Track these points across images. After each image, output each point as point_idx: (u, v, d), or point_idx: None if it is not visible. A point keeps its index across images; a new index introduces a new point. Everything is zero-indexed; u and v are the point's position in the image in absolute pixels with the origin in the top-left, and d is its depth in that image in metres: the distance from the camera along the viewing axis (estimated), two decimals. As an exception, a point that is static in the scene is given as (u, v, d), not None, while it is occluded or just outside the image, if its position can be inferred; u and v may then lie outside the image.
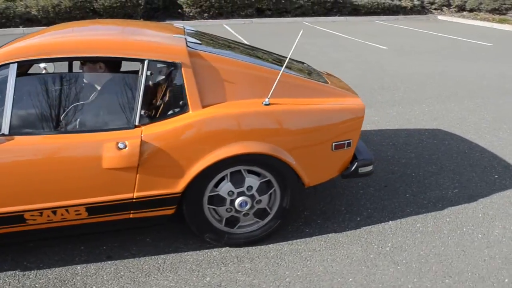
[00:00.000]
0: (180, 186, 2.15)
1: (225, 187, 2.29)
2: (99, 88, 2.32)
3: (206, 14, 12.88)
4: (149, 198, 2.15)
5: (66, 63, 2.52)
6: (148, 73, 2.13)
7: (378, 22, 13.28)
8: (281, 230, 2.61)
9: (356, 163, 2.48)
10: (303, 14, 13.13)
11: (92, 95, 2.23)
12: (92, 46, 2.12)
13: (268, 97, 2.25)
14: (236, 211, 2.33)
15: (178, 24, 3.01)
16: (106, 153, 2.02)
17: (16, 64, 2.00)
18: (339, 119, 2.38)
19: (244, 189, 2.31)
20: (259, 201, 2.37)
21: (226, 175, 2.27)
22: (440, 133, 4.18)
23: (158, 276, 2.26)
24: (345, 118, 2.40)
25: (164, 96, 2.16)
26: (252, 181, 2.32)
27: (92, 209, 2.12)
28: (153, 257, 2.41)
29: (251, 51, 2.79)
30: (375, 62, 7.36)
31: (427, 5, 14.51)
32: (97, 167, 2.02)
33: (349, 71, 6.66)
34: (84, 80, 2.32)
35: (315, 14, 13.18)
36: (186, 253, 2.43)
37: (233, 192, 2.30)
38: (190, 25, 3.12)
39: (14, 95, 2.00)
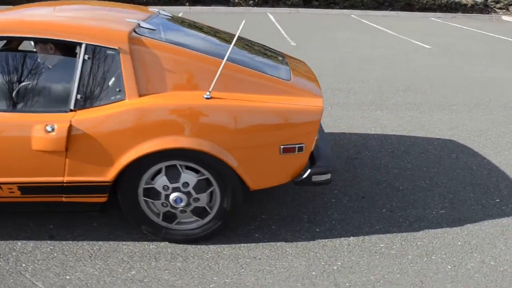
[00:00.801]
0: (110, 175, 2.08)
1: (160, 181, 2.17)
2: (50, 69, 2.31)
3: (251, 1, 12.76)
4: (79, 183, 2.10)
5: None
6: (86, 57, 2.05)
7: (432, 19, 12.35)
8: (228, 232, 2.47)
9: (309, 170, 2.27)
10: (352, 6, 12.55)
11: (36, 76, 2.22)
12: (33, 27, 2.08)
13: (210, 90, 2.09)
14: (172, 206, 2.24)
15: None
16: (35, 135, 1.99)
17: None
18: (288, 120, 2.16)
19: (179, 185, 2.18)
20: (197, 199, 2.23)
21: (162, 168, 2.18)
22: (451, 144, 3.75)
23: (87, 262, 2.22)
24: (296, 119, 2.17)
25: (101, 81, 2.07)
26: (188, 177, 2.18)
27: (25, 189, 2.11)
28: (91, 242, 2.38)
29: (221, 42, 2.65)
30: (411, 62, 6.82)
31: (491, 3, 13.22)
32: (28, 148, 2.01)
33: (378, 69, 6.24)
34: (38, 61, 2.32)
35: (365, 7, 12.55)
36: (124, 242, 2.37)
37: (168, 187, 2.18)
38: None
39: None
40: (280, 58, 2.71)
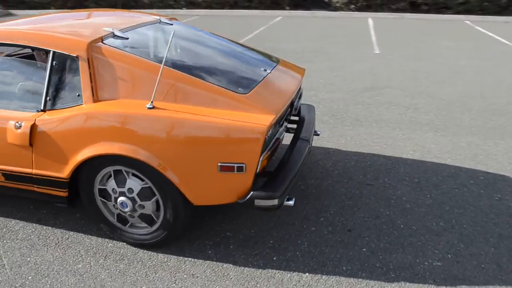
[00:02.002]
0: (65, 172, 2.23)
1: (110, 184, 2.24)
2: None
3: (353, 6, 12.18)
4: (43, 177, 2.29)
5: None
6: (54, 63, 2.22)
7: None
8: (185, 243, 2.43)
9: (251, 193, 2.08)
10: (467, 11, 11.00)
11: (21, 78, 2.47)
12: (16, 35, 2.33)
13: (151, 100, 2.08)
14: (121, 210, 2.29)
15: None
16: (9, 129, 2.27)
17: None
18: (226, 137, 1.99)
19: (125, 190, 2.21)
20: (142, 206, 2.24)
21: (111, 172, 2.25)
22: (501, 183, 3.01)
23: (50, 249, 2.39)
24: (235, 137, 1.99)
25: (65, 86, 2.22)
26: (133, 184, 2.19)
27: (6, 175, 2.41)
28: (64, 231, 2.56)
29: (200, 53, 2.59)
30: (507, 77, 5.70)
31: None
32: (5, 139, 2.31)
33: (460, 85, 5.37)
34: (23, 65, 2.55)
35: (483, 12, 10.88)
36: (89, 237, 2.50)
37: (116, 191, 2.24)
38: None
39: None
40: (261, 69, 2.54)
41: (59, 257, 2.35)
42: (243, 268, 2.24)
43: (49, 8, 13.79)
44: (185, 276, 2.19)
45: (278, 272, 2.20)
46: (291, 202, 2.20)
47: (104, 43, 2.22)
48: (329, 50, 7.64)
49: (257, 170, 2.05)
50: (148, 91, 2.11)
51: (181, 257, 2.33)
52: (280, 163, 2.32)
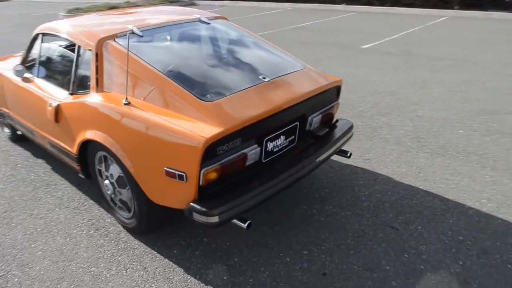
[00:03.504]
0: (74, 149, 2.55)
1: (102, 167, 2.48)
2: None
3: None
4: (65, 150, 2.69)
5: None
6: (78, 54, 2.54)
7: None
8: (163, 236, 2.48)
9: (190, 205, 1.95)
10: None
11: (68, 66, 2.80)
12: (61, 29, 2.72)
13: (125, 97, 2.16)
14: (106, 192, 2.48)
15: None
16: (46, 107, 2.72)
17: (40, 35, 3.00)
18: (170, 142, 1.90)
19: (108, 174, 2.42)
20: (119, 192, 2.39)
21: (102, 156, 2.45)
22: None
23: (57, 211, 2.85)
24: (177, 143, 1.88)
25: (84, 75, 2.50)
26: (114, 170, 2.35)
27: (50, 144, 2.88)
28: (83, 196, 2.98)
29: (209, 56, 2.52)
30: None
31: None
32: (46, 114, 2.78)
33: None
34: (64, 55, 2.94)
35: None
36: (99, 208, 2.84)
37: (103, 173, 2.46)
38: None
39: (40, 55, 3.02)
40: (259, 77, 2.30)
41: (67, 220, 2.74)
42: (189, 277, 2.17)
43: None
44: (138, 267, 2.27)
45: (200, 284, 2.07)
46: (243, 225, 2.02)
47: (115, 41, 2.43)
48: (476, 60, 6.35)
49: (200, 183, 1.95)
50: (137, 89, 2.23)
51: (149, 249, 2.41)
52: (239, 182, 2.14)
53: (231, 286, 2.10)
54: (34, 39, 3.08)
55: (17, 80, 3.12)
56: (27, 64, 3.17)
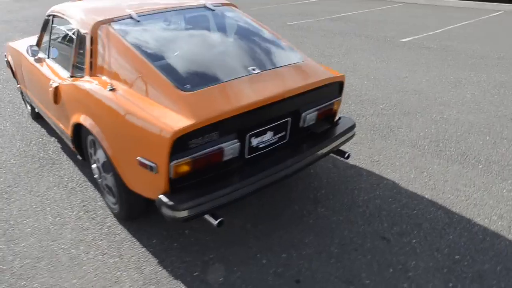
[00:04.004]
0: (68, 131, 2.59)
1: (92, 150, 2.49)
2: None
3: None
4: (63, 130, 2.74)
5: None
6: (77, 37, 2.54)
7: None
8: (147, 224, 2.47)
9: (159, 197, 1.90)
10: None
11: (67, 47, 2.85)
12: (66, 12, 2.74)
13: (110, 83, 2.12)
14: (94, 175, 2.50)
15: None
16: (48, 87, 2.78)
17: (51, 16, 3.04)
18: (142, 131, 1.84)
19: (96, 158, 2.42)
20: (105, 177, 2.39)
21: (92, 139, 2.45)
22: None
23: (55, 190, 2.91)
24: (148, 134, 1.82)
25: (82, 58, 2.48)
26: (100, 154, 2.34)
27: (54, 124, 3.00)
28: (81, 176, 3.04)
29: (203, 44, 2.41)
30: None
31: None
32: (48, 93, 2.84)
33: None
34: (68, 38, 2.96)
35: None
36: (93, 189, 2.88)
37: (92, 157, 2.46)
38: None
39: (50, 37, 3.07)
40: (249, 68, 2.17)
41: (61, 199, 2.80)
42: (161, 269, 2.13)
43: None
44: (115, 253, 2.27)
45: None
46: (214, 222, 1.95)
47: (110, 25, 2.40)
48: (524, 59, 5.78)
49: (171, 175, 1.89)
50: (123, 75, 2.20)
51: (130, 236, 2.40)
52: (217, 177, 2.06)
53: (199, 283, 2.05)
54: (47, 20, 3.14)
55: (31, 60, 3.21)
56: (41, 45, 3.25)
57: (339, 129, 2.55)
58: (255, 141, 2.16)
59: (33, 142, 3.65)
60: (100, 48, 2.36)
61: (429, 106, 4.21)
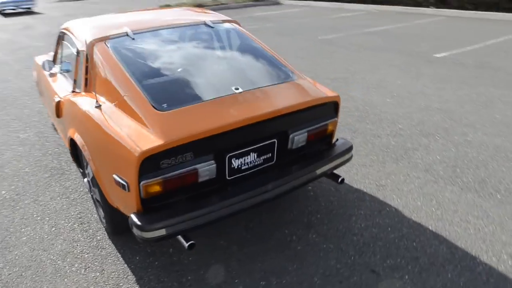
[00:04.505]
0: (66, 144, 2.66)
1: (85, 163, 2.54)
2: None
3: None
4: (65, 143, 2.84)
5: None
6: (77, 54, 2.61)
7: None
8: (133, 238, 2.46)
9: (130, 216, 1.87)
10: None
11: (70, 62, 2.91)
12: (71, 29, 2.81)
13: (95, 101, 2.15)
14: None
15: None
16: (53, 102, 2.89)
17: (62, 33, 3.14)
18: (116, 150, 1.85)
19: (87, 172, 2.45)
20: (94, 191, 2.41)
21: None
22: None
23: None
24: (120, 153, 1.81)
25: (80, 75, 2.55)
26: (90, 169, 2.37)
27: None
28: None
29: (191, 62, 2.40)
30: None
31: None
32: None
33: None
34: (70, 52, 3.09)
35: None
36: (90, 200, 2.92)
37: (85, 171, 2.50)
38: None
39: (61, 53, 3.21)
40: (232, 87, 2.12)
41: (62, 210, 2.87)
42: (135, 287, 2.13)
43: None
44: (97, 268, 2.28)
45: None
46: (185, 244, 1.90)
47: (105, 43, 2.44)
48: None
49: (141, 195, 1.87)
50: (112, 93, 2.23)
51: (115, 251, 2.40)
52: (195, 197, 2.01)
53: (170, 306, 2.01)
54: (59, 36, 3.29)
55: (46, 73, 3.37)
56: (56, 60, 3.41)
57: (333, 152, 2.43)
58: (236, 162, 2.10)
59: (49, 152, 3.82)
60: (94, 65, 2.42)
61: (452, 127, 3.94)
